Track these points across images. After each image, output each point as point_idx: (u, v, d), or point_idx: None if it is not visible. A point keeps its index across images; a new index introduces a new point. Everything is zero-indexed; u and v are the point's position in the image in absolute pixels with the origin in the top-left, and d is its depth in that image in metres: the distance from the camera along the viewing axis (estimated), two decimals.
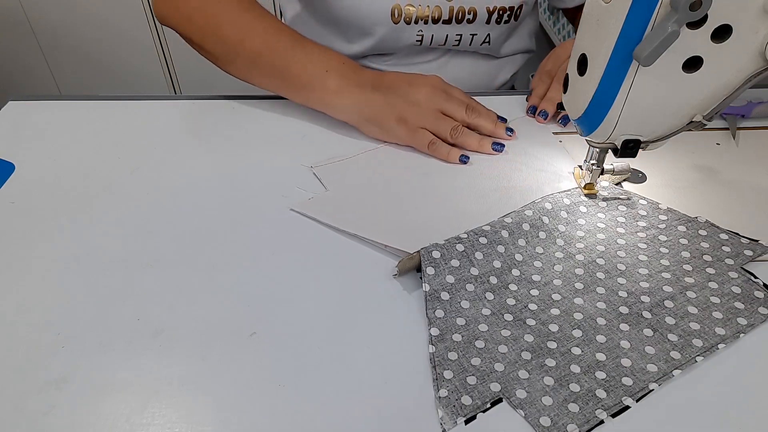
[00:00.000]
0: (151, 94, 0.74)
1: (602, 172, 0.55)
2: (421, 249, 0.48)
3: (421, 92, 0.62)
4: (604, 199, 0.56)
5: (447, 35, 0.76)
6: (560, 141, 0.65)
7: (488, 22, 0.75)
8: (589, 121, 0.49)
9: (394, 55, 0.80)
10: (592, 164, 0.54)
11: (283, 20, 0.86)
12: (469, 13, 0.74)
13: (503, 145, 0.63)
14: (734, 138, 0.65)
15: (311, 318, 0.45)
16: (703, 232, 0.52)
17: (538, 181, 0.59)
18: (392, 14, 0.73)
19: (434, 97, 0.62)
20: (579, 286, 0.48)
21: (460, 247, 0.49)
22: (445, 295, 0.46)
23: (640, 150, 0.50)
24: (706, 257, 0.50)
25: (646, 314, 0.45)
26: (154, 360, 0.42)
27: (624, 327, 0.44)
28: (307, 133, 0.66)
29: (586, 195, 0.56)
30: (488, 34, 0.77)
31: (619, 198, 0.56)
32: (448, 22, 0.75)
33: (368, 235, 0.52)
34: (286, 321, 0.45)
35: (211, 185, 0.58)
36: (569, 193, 0.56)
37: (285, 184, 0.58)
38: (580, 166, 0.58)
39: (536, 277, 0.49)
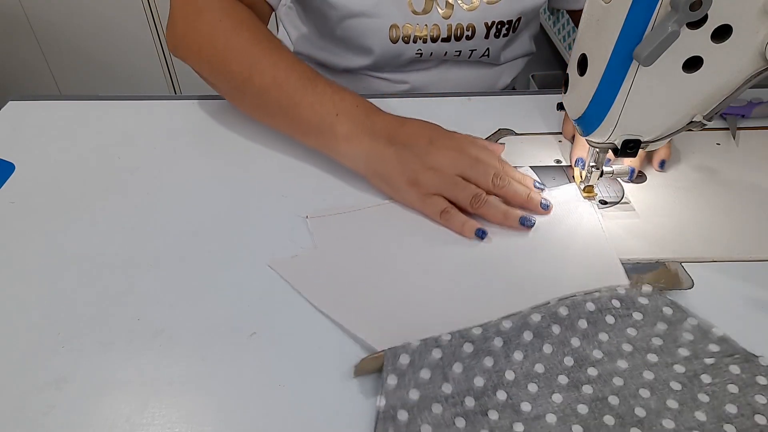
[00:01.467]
0: (151, 94, 0.74)
1: (602, 174, 0.55)
2: (388, 350, 0.40)
3: (442, 156, 0.54)
4: (643, 313, 0.44)
5: (446, 51, 0.75)
6: (560, 141, 0.65)
7: (487, 36, 0.75)
8: (589, 121, 0.49)
9: (393, 65, 0.80)
10: (592, 166, 0.54)
11: (290, 43, 0.85)
12: (467, 30, 0.73)
13: (534, 221, 0.53)
14: (734, 138, 0.65)
15: (311, 318, 0.45)
16: (763, 381, 0.39)
17: (568, 272, 0.48)
18: (390, 34, 0.72)
19: (457, 163, 0.53)
20: (577, 429, 0.37)
21: (437, 354, 0.40)
22: (402, 415, 0.37)
23: (640, 150, 0.50)
24: (759, 418, 0.38)
25: None
26: (154, 360, 0.42)
27: None
28: None
29: (585, 197, 0.56)
30: (488, 48, 0.77)
31: (661, 311, 0.44)
32: (447, 40, 0.74)
33: (336, 316, 0.45)
34: (286, 321, 0.45)
35: (211, 185, 0.58)
36: (599, 296, 0.45)
37: (285, 184, 0.58)
38: (579, 164, 0.58)
39: (526, 407, 0.38)
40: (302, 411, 0.39)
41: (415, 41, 0.73)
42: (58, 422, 0.39)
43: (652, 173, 0.60)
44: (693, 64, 0.44)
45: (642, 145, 0.50)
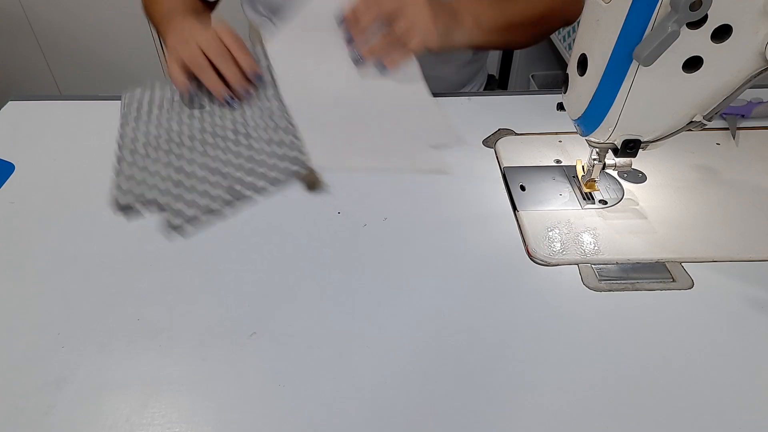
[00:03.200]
0: None
1: (604, 167, 0.55)
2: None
3: (200, 37, 0.66)
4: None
5: None
6: (560, 141, 0.65)
7: None
8: (589, 121, 0.49)
9: None
10: (594, 159, 0.54)
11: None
12: None
13: (236, 101, 0.67)
14: (734, 138, 0.65)
15: (311, 318, 0.45)
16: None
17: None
18: None
19: (200, 36, 0.67)
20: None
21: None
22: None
23: (640, 150, 0.50)
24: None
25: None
26: (154, 360, 0.42)
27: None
28: None
29: (587, 191, 0.56)
30: None
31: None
32: None
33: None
34: (286, 321, 0.45)
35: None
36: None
37: (285, 184, 0.58)
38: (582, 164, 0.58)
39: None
40: (302, 411, 0.39)
41: None
42: (58, 422, 0.39)
43: (652, 173, 0.60)
44: (693, 64, 0.44)
45: (642, 145, 0.50)
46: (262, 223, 0.54)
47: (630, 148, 0.50)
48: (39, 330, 0.44)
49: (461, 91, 0.90)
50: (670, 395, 0.41)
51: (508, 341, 0.44)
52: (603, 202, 0.57)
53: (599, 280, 0.49)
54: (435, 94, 0.69)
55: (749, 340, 0.44)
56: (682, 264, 0.50)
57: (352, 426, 0.39)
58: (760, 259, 0.50)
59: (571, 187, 0.59)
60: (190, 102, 0.67)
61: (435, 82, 0.70)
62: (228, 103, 0.67)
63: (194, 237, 0.52)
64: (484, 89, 0.97)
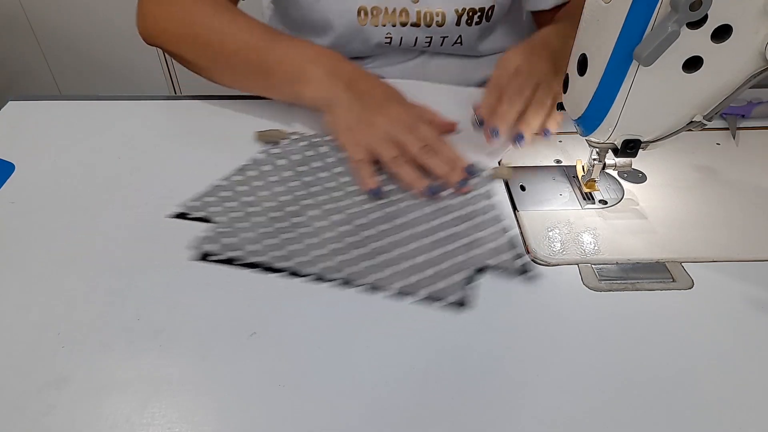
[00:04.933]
0: (151, 94, 0.74)
1: (604, 167, 0.55)
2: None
3: (385, 116, 0.59)
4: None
5: (416, 38, 0.75)
6: (560, 141, 0.65)
7: (458, 23, 0.74)
8: (589, 121, 0.49)
9: (372, 58, 0.79)
10: (594, 159, 0.54)
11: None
12: (437, 16, 0.73)
13: (439, 189, 0.56)
14: (734, 138, 0.65)
15: (311, 318, 0.45)
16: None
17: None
18: (358, 14, 0.72)
19: (394, 126, 0.58)
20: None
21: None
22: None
23: (640, 150, 0.50)
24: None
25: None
26: (154, 360, 0.42)
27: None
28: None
29: (587, 191, 0.56)
30: (459, 36, 0.76)
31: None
32: (416, 25, 0.74)
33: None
34: (286, 321, 0.45)
35: (211, 185, 0.58)
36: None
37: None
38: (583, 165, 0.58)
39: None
40: (302, 411, 0.39)
41: (383, 23, 0.73)
42: (58, 422, 0.39)
43: (652, 173, 0.60)
44: (693, 64, 0.44)
45: (642, 145, 0.50)
46: None
47: (630, 148, 0.50)
48: (39, 330, 0.44)
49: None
50: (670, 395, 0.41)
51: (508, 341, 0.44)
52: (603, 202, 0.57)
53: (599, 280, 0.49)
54: None
55: (749, 340, 0.44)
56: (682, 264, 0.50)
57: (352, 426, 0.39)
58: (760, 259, 0.50)
59: (571, 187, 0.59)
60: (375, 197, 0.56)
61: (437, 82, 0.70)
62: (432, 194, 0.56)
63: (194, 237, 0.52)
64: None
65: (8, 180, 0.59)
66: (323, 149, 0.61)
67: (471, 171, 0.58)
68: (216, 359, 0.42)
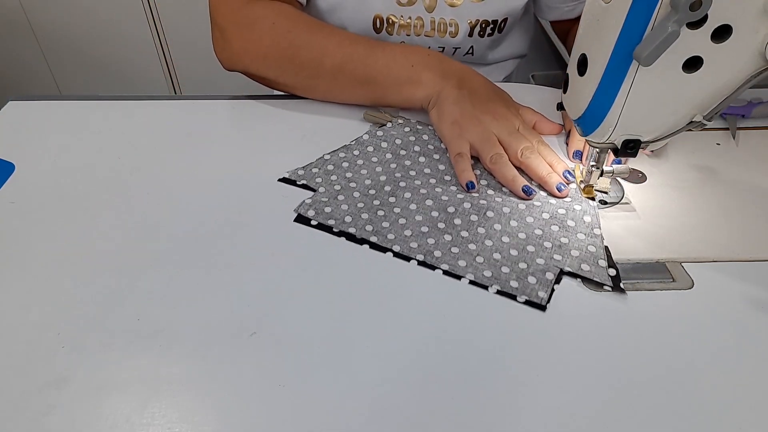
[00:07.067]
0: (151, 94, 0.74)
1: (602, 174, 0.55)
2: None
3: (492, 114, 0.60)
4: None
5: (429, 47, 0.75)
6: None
7: (471, 35, 0.75)
8: (589, 121, 0.49)
9: None
10: (592, 165, 0.54)
11: None
12: (450, 26, 0.73)
13: (535, 191, 0.56)
14: (734, 138, 0.65)
15: (311, 318, 0.45)
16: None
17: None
18: (374, 24, 0.73)
19: (500, 126, 0.59)
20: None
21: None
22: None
23: (640, 150, 0.50)
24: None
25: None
26: (154, 360, 0.42)
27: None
28: (307, 134, 0.66)
29: (585, 197, 0.56)
30: (471, 46, 0.77)
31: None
32: (430, 34, 0.75)
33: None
34: (286, 321, 0.45)
35: (211, 185, 0.58)
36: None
37: (285, 184, 0.58)
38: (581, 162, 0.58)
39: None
40: (302, 411, 0.39)
41: (399, 33, 0.74)
42: (58, 422, 0.39)
43: (652, 173, 0.60)
44: (693, 64, 0.44)
45: (642, 145, 0.50)
46: (263, 224, 0.54)
47: (630, 148, 0.50)
48: (39, 330, 0.44)
49: None
50: (670, 395, 0.41)
51: (509, 341, 0.44)
52: (603, 202, 0.57)
53: None
54: None
55: (749, 340, 0.44)
56: (682, 264, 0.50)
57: (352, 426, 0.39)
58: (760, 259, 0.50)
59: None
60: (470, 189, 0.57)
61: None
62: (526, 193, 0.56)
63: (195, 237, 0.52)
64: None
65: (8, 180, 0.59)
66: (425, 137, 0.63)
67: (570, 175, 0.58)
68: (216, 359, 0.42)
